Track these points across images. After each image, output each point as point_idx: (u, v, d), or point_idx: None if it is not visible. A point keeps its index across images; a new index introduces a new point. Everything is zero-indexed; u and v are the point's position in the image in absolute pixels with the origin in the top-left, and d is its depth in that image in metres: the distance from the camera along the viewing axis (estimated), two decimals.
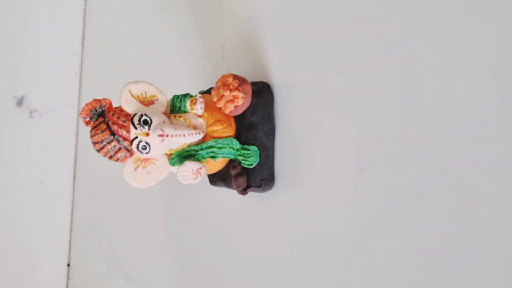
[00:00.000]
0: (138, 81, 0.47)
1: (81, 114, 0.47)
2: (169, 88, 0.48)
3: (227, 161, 0.47)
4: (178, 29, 0.59)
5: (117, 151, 0.45)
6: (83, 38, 0.74)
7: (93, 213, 0.71)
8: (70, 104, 0.71)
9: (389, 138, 0.43)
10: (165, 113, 0.46)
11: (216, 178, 0.49)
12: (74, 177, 0.74)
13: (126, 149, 0.44)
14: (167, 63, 0.60)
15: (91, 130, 0.45)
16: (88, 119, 0.45)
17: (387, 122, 0.43)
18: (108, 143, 0.44)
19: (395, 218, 0.43)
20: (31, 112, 0.73)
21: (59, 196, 0.73)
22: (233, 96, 0.45)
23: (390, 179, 0.43)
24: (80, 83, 0.73)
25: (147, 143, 0.44)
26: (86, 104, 0.47)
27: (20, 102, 0.73)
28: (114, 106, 0.46)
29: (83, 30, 0.73)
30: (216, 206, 0.54)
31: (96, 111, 0.45)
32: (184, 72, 0.58)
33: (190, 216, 0.57)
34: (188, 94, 0.47)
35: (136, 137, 0.44)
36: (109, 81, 0.65)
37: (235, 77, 0.46)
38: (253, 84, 0.47)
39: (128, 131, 0.43)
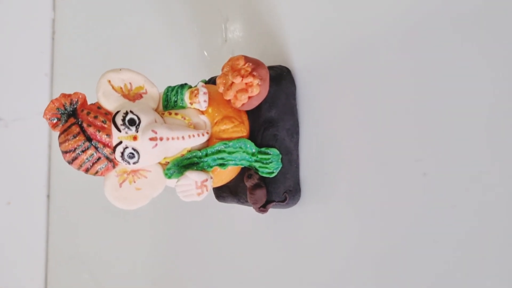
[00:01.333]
0: (121, 69, 0.39)
1: (45, 114, 0.38)
2: (160, 80, 0.42)
3: (239, 170, 0.41)
4: (168, 8, 0.54)
5: (96, 162, 0.38)
6: (53, 31, 0.70)
7: (71, 238, 0.68)
8: (40, 110, 0.60)
9: (459, 133, 0.35)
10: (157, 110, 0.40)
11: (225, 192, 0.44)
12: (48, 196, 0.71)
13: (107, 158, 0.38)
14: (156, 51, 0.56)
15: (59, 135, 0.38)
16: (55, 121, 0.38)
17: (457, 112, 0.35)
18: (83, 151, 0.37)
19: (479, 240, 0.35)
20: None
21: (31, 219, 0.70)
22: (246, 84, 0.38)
23: (466, 184, 0.35)
24: (51, 84, 0.70)
25: (134, 149, 0.37)
26: (51, 101, 0.38)
27: None
28: (90, 102, 0.39)
29: (53, 20, 0.70)
30: (225, 229, 0.49)
31: (65, 109, 0.38)
32: (176, 61, 0.53)
33: (191, 241, 0.52)
34: (186, 84, 0.41)
35: (120, 142, 0.37)
36: (86, 81, 0.57)
37: (247, 59, 0.39)
38: (270, 68, 0.41)
39: (109, 135, 0.37)
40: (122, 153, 0.38)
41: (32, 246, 0.70)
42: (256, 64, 0.39)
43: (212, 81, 0.43)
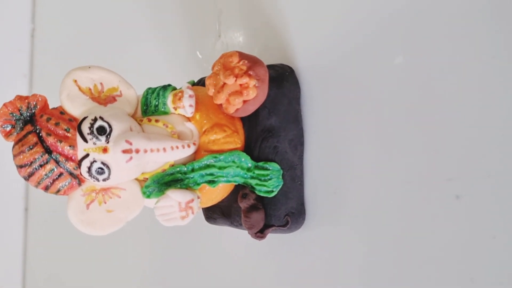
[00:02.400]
0: (90, 67, 0.36)
1: None
2: (143, 83, 0.39)
3: (232, 188, 0.39)
4: (154, 2, 0.51)
5: (56, 179, 0.34)
6: (33, 28, 0.68)
7: (50, 256, 0.65)
8: None
9: (503, 144, 0.31)
10: (134, 116, 0.37)
11: (216, 213, 0.41)
12: (26, 209, 0.69)
13: (71, 174, 0.34)
14: (140, 48, 0.53)
15: (13, 146, 0.35)
16: (8, 128, 0.35)
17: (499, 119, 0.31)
18: (41, 166, 0.34)
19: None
20: None
21: (7, 234, 0.68)
22: (241, 85, 0.36)
23: (509, 210, 0.30)
24: (30, 86, 0.68)
25: (104, 164, 0.34)
26: (4, 105, 0.34)
27: None
28: (52, 107, 0.36)
29: (32, 16, 0.67)
30: (215, 255, 0.46)
31: (21, 115, 0.35)
32: (162, 60, 0.51)
33: (177, 265, 0.50)
34: (169, 85, 0.38)
35: (87, 155, 0.34)
36: None
37: (242, 56, 0.36)
38: (270, 67, 0.39)
39: (73, 146, 0.34)
40: (89, 168, 0.34)
41: (7, 264, 0.68)
42: (252, 62, 0.36)
43: (202, 83, 0.41)
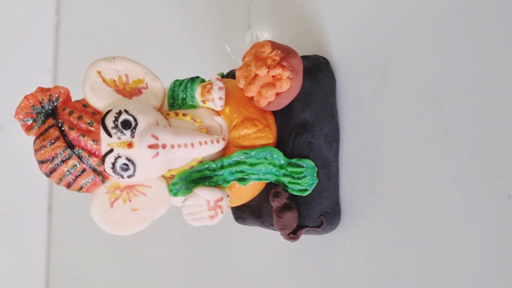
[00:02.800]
0: (115, 57, 0.35)
1: (17, 113, 0.34)
2: (169, 76, 0.38)
3: (263, 186, 0.38)
4: None
5: (79, 175, 0.34)
6: (57, 22, 0.67)
7: (74, 257, 0.65)
8: None
9: None
10: (160, 110, 0.36)
11: (246, 213, 0.41)
12: (49, 208, 0.68)
13: (94, 170, 0.34)
14: (167, 40, 0.53)
15: (34, 141, 0.34)
16: (29, 122, 0.34)
17: None
18: (63, 161, 0.33)
19: None
20: None
21: (29, 234, 0.68)
22: (274, 76, 0.35)
23: None
24: (54, 82, 0.67)
25: (129, 159, 0.33)
26: (25, 97, 0.34)
27: None
28: (74, 99, 0.35)
29: (57, 8, 0.67)
30: (245, 256, 0.45)
31: (42, 108, 0.34)
32: (190, 52, 0.50)
33: (205, 266, 0.49)
34: (197, 77, 0.37)
35: (111, 151, 0.33)
36: None
37: (275, 46, 0.35)
38: (304, 58, 0.38)
39: (96, 141, 0.33)
40: (113, 164, 0.33)
41: (30, 265, 0.68)
42: (286, 52, 0.35)
43: (231, 75, 0.40)
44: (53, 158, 0.32)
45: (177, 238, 0.52)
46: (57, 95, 0.33)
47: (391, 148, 0.36)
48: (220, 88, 0.35)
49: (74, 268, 0.65)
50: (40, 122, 0.33)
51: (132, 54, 0.41)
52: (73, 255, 0.66)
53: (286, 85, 0.34)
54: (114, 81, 0.34)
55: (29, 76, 0.67)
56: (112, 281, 0.60)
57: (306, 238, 0.39)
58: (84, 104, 0.34)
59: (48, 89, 0.33)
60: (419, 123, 0.34)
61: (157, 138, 0.33)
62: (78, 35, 0.66)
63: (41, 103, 0.33)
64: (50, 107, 0.33)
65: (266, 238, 0.43)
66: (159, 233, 0.53)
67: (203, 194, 0.34)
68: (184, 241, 0.51)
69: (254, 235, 0.44)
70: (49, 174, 0.33)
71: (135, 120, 0.33)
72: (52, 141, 0.32)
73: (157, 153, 0.33)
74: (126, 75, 0.35)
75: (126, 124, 0.33)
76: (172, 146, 0.33)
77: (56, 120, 0.33)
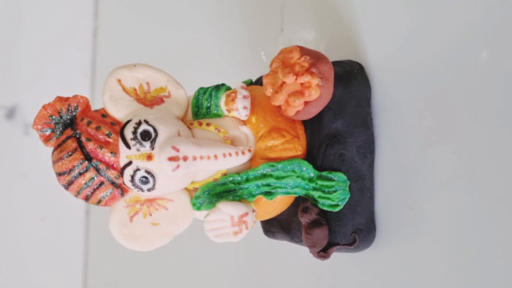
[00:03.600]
0: (135, 65, 0.34)
1: (35, 123, 0.33)
2: (200, 81, 0.38)
3: (292, 200, 0.37)
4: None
5: (97, 188, 0.33)
6: (95, 27, 0.68)
7: (112, 261, 0.64)
8: None
9: None
10: (183, 119, 0.35)
11: (275, 227, 0.39)
12: (87, 213, 0.68)
13: (113, 183, 0.33)
14: (201, 46, 0.52)
15: (53, 152, 0.33)
16: (48, 133, 0.33)
17: None
18: (81, 174, 0.32)
19: None
20: (26, 126, 0.68)
21: (66, 238, 0.68)
22: (302, 84, 0.34)
23: None
24: (92, 87, 0.68)
25: (149, 172, 0.32)
26: (43, 107, 0.33)
27: (11, 113, 0.68)
28: (94, 109, 0.35)
29: (95, 13, 0.67)
30: (272, 273, 0.44)
31: (61, 118, 0.33)
32: (221, 58, 0.49)
33: (237, 282, 0.48)
34: (223, 85, 0.36)
35: (130, 163, 0.32)
36: None
37: (304, 51, 0.34)
38: (336, 64, 0.37)
39: (115, 152, 0.32)
40: (132, 177, 0.33)
41: (67, 270, 0.69)
42: (315, 57, 0.34)
43: (260, 82, 0.39)
44: (70, 170, 0.32)
45: (216, 245, 0.52)
46: (75, 105, 0.33)
47: (431, 162, 0.34)
48: (244, 97, 0.34)
49: (112, 273, 0.65)
50: (58, 133, 0.33)
51: (167, 59, 0.40)
52: (111, 259, 0.66)
53: (316, 93, 0.33)
54: (135, 89, 0.34)
55: (67, 81, 0.68)
56: (150, 286, 0.60)
57: (337, 256, 0.38)
58: (103, 114, 0.33)
59: (67, 99, 0.33)
60: (461, 135, 0.32)
61: (178, 150, 0.31)
62: (116, 40, 0.67)
63: (59, 112, 0.33)
64: (68, 116, 0.33)
65: (296, 254, 0.41)
66: (197, 238, 0.51)
67: (227, 209, 0.33)
68: (224, 250, 0.50)
69: (283, 250, 0.42)
70: (67, 186, 0.32)
71: (155, 130, 0.32)
72: (70, 153, 0.32)
73: (178, 166, 0.31)
74: (147, 83, 0.34)
75: (146, 135, 0.32)
76: (194, 158, 0.32)
77: (74, 131, 0.32)
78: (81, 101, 0.33)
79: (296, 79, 0.33)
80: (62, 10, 0.68)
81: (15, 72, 0.68)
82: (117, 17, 0.66)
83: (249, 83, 0.37)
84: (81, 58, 0.67)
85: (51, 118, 0.32)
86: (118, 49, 0.66)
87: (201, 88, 0.35)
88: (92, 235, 0.69)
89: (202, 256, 0.53)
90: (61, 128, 0.33)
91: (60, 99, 0.33)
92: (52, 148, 0.33)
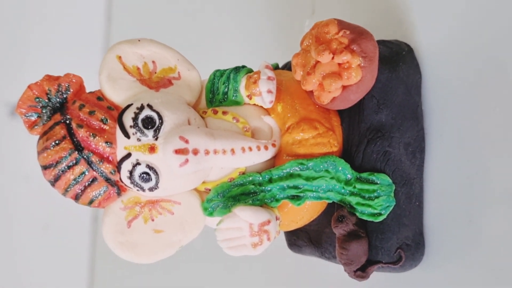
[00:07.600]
0: (140, 40, 0.31)
1: (19, 106, 0.30)
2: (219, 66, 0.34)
3: (324, 207, 0.34)
4: None
5: (89, 185, 0.30)
6: (109, 13, 0.65)
7: (120, 268, 0.62)
8: None
9: None
10: (195, 106, 0.32)
11: (302, 239, 0.37)
12: (95, 218, 0.65)
13: (107, 180, 0.30)
14: (219, 29, 0.50)
15: (38, 140, 0.30)
16: (33, 118, 0.30)
17: None
18: (69, 167, 0.29)
19: None
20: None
21: (72, 247, 0.66)
22: (340, 64, 0.30)
23: None
24: None
25: (151, 167, 0.29)
26: (29, 86, 0.30)
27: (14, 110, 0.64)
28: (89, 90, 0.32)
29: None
30: None
31: (49, 100, 0.30)
32: (245, 41, 0.47)
33: None
34: (243, 67, 0.32)
35: (129, 155, 0.29)
36: None
37: (342, 25, 0.30)
38: (381, 43, 0.34)
39: (110, 142, 0.29)
40: (131, 173, 0.29)
41: (75, 277, 0.67)
42: (357, 33, 0.30)
43: (288, 67, 0.35)
44: (57, 162, 0.28)
45: (231, 259, 0.50)
46: (67, 85, 0.29)
47: (495, 165, 0.32)
48: (269, 78, 0.30)
49: (120, 280, 0.64)
50: (45, 118, 0.29)
51: (185, 40, 0.37)
52: (118, 267, 0.64)
53: (356, 76, 0.30)
54: (138, 68, 0.30)
55: (77, 72, 0.68)
56: None
57: (378, 276, 0.34)
58: (99, 97, 0.29)
59: (57, 78, 0.29)
60: None
61: (187, 142, 0.28)
62: (131, 24, 0.65)
63: (47, 94, 0.29)
64: (58, 99, 0.29)
65: (326, 273, 0.38)
66: (209, 249, 0.49)
67: (245, 216, 0.30)
68: (239, 264, 0.47)
69: (311, 267, 0.39)
70: (53, 182, 0.29)
71: (160, 117, 0.29)
72: (57, 142, 0.28)
73: (187, 160, 0.28)
74: (153, 62, 0.31)
75: (149, 123, 0.29)
76: (207, 152, 0.29)
77: (63, 116, 0.29)
78: (74, 80, 0.29)
79: (332, 58, 0.29)
80: (74, 12, 0.68)
81: (20, 62, 0.66)
82: (132, 9, 0.65)
83: (275, 68, 0.33)
84: (92, 55, 0.65)
85: (37, 100, 0.29)
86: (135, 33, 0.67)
87: (217, 70, 0.32)
88: (100, 243, 0.67)
89: (213, 272, 0.50)
90: (48, 113, 0.29)
91: (48, 77, 0.29)
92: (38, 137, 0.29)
